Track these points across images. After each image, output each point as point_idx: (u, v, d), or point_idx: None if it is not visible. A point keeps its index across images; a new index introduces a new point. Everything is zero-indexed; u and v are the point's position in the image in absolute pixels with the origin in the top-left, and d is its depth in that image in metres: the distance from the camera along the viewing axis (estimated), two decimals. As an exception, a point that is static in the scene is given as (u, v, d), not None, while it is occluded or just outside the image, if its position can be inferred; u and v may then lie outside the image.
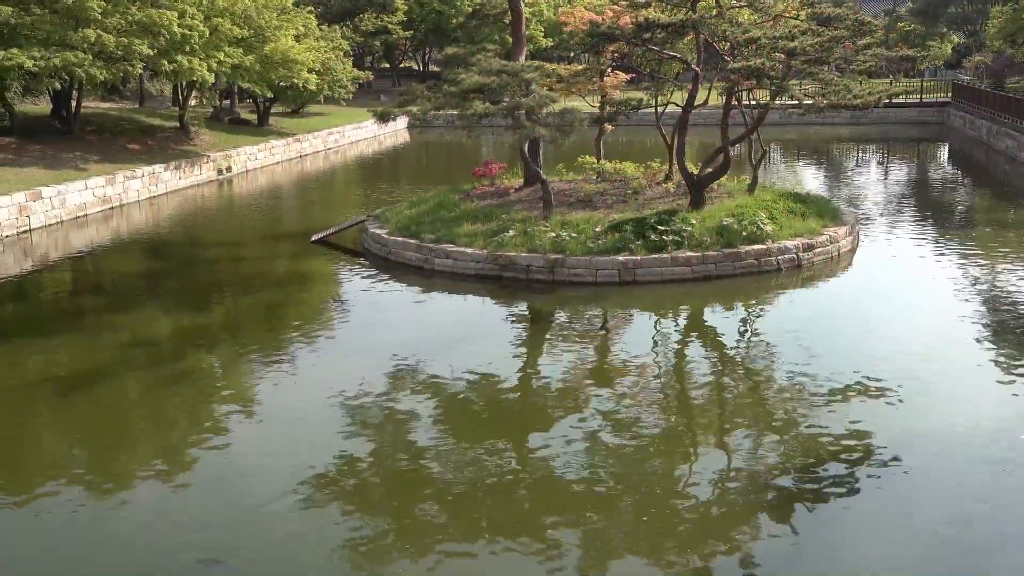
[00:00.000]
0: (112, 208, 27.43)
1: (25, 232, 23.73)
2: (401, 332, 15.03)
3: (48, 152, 28.82)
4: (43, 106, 35.82)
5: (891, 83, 53.70)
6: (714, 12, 19.81)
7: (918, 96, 52.86)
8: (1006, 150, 35.36)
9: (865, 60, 20.04)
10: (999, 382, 12.17)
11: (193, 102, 40.16)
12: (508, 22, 24.82)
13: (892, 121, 49.33)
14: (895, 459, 9.89)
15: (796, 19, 20.12)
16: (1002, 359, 13.03)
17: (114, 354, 14.27)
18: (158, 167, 30.54)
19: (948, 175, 35.65)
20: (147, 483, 9.87)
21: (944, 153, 42.22)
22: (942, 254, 19.64)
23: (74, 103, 32.88)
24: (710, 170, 19.91)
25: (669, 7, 20.81)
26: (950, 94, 51.48)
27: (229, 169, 35.19)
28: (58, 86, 30.81)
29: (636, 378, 12.63)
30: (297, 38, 38.71)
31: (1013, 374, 12.43)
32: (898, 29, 70.10)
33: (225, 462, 10.36)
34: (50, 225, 24.67)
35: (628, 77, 24.51)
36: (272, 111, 44.67)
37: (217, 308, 17.13)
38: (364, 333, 15.29)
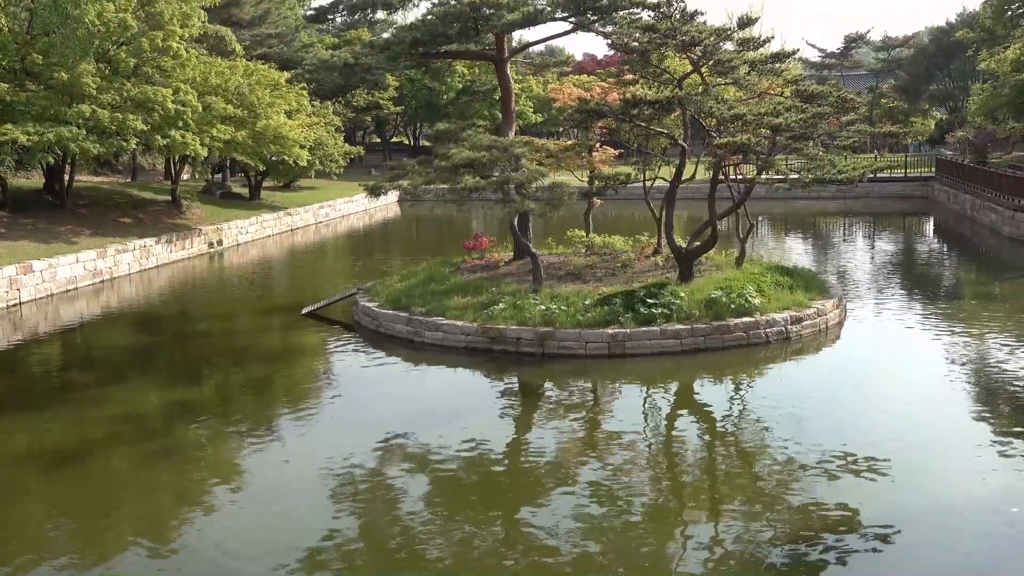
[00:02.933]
0: (103, 281, 27.47)
1: (15, 305, 23.72)
2: (391, 406, 14.98)
3: (40, 225, 28.95)
4: (36, 180, 36.06)
5: (875, 158, 54.47)
6: (700, 89, 20.18)
7: (902, 171, 53.61)
8: (990, 224, 35.76)
9: (849, 136, 20.42)
10: (990, 455, 12.15)
11: (185, 176, 40.54)
12: (498, 98, 25.23)
13: (877, 195, 49.95)
14: (889, 535, 9.81)
15: (781, 96, 20.49)
16: (992, 432, 13.03)
17: (103, 428, 14.16)
18: (149, 240, 30.68)
19: (933, 248, 35.99)
20: (132, 561, 9.72)
21: (929, 227, 42.67)
22: (929, 327, 19.74)
23: (67, 177, 33.10)
24: (698, 244, 20.09)
25: (656, 84, 21.23)
26: (934, 169, 52.21)
27: (220, 242, 35.37)
28: (51, 160, 31.05)
29: (626, 452, 12.58)
30: (289, 114, 39.21)
31: (1004, 447, 12.42)
32: (881, 106, 71.40)
33: (212, 540, 10.22)
34: (40, 298, 24.67)
35: (616, 152, 24.86)
36: (264, 185, 45.05)
37: (207, 382, 17.06)
38: (353, 407, 15.24)
